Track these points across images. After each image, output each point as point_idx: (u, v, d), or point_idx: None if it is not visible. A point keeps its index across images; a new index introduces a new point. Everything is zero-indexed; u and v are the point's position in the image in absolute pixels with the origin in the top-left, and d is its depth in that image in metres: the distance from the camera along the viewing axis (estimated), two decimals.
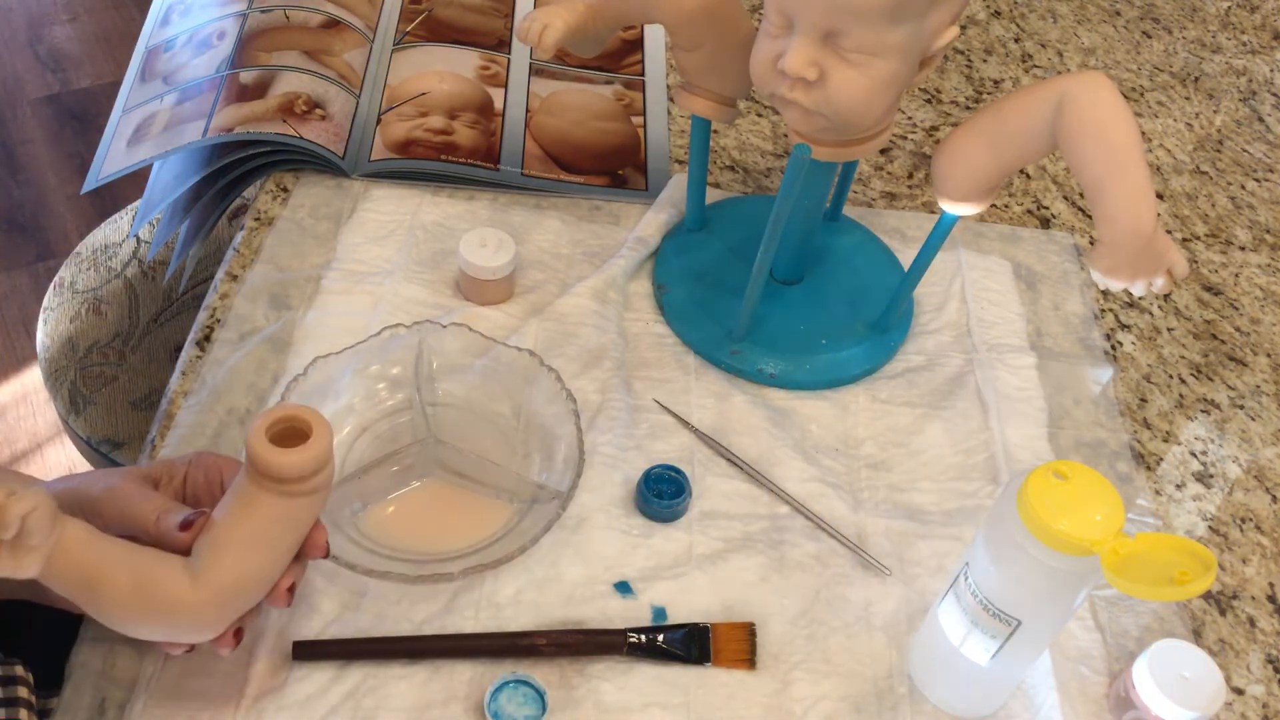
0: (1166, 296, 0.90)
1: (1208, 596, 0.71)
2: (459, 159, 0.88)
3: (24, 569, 0.45)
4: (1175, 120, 1.08)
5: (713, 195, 0.89)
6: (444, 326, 0.72)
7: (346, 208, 0.85)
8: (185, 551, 0.52)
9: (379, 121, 0.90)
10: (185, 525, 0.52)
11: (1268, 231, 0.98)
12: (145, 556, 0.50)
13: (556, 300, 0.80)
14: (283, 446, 0.51)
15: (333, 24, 0.96)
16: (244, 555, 0.52)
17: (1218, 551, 0.74)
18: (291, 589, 0.55)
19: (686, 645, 0.63)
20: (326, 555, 0.57)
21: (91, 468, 1.12)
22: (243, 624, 0.55)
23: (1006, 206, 0.95)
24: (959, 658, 0.59)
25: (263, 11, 0.94)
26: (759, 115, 1.00)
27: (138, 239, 1.19)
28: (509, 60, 0.99)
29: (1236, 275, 0.93)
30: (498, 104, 0.94)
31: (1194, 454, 0.80)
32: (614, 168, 0.91)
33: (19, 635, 0.66)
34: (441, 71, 0.95)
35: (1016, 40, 1.14)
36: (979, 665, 0.58)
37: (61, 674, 0.60)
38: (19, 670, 0.61)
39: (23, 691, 0.60)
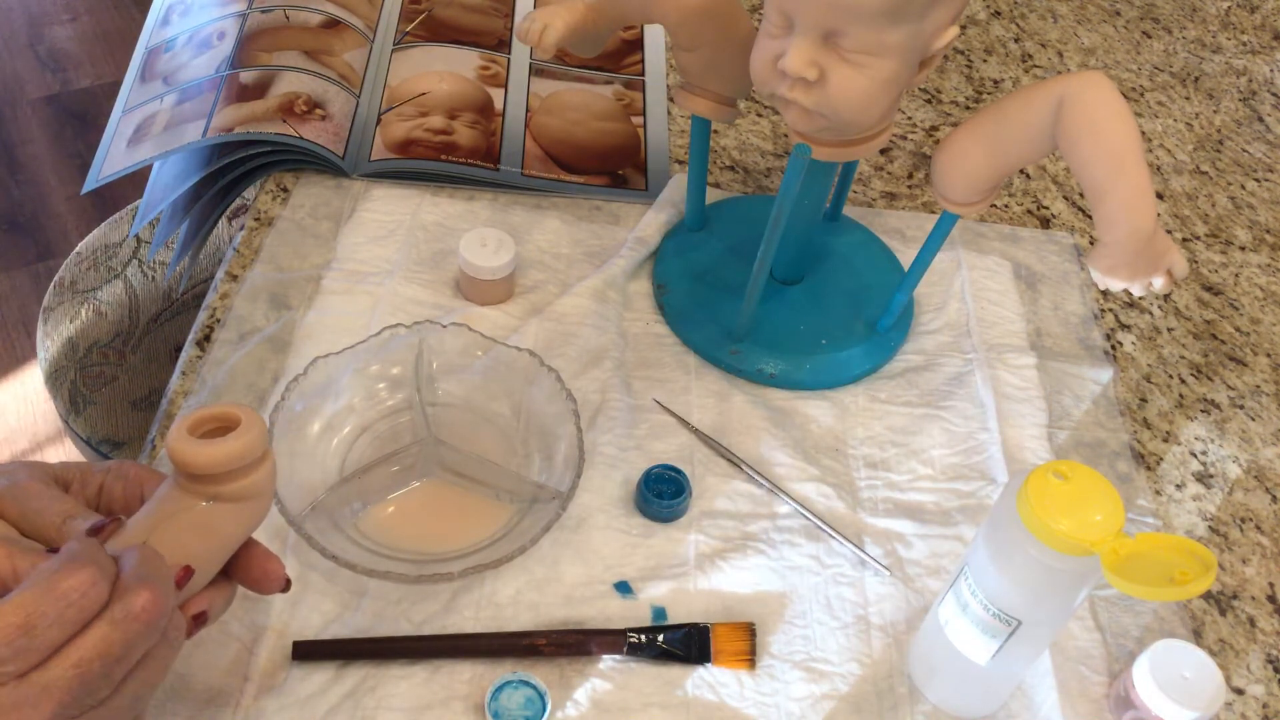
0: (1166, 296, 0.90)
1: (1208, 596, 0.71)
2: (459, 159, 0.88)
3: None
4: (1175, 120, 1.08)
5: (713, 195, 0.89)
6: (444, 326, 0.72)
7: (346, 208, 0.85)
8: None
9: (379, 121, 0.90)
10: (94, 531, 0.46)
11: (1268, 231, 0.98)
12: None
13: (556, 300, 0.80)
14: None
15: (333, 24, 0.96)
16: None
17: (1218, 551, 0.74)
18: (200, 618, 0.48)
19: (686, 645, 0.63)
20: (286, 589, 0.52)
21: None
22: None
23: (1006, 206, 0.95)
24: (959, 658, 0.59)
25: (263, 11, 0.94)
26: (759, 115, 1.00)
27: (138, 239, 1.19)
28: (509, 60, 0.99)
29: (1236, 275, 0.93)
30: (498, 104, 0.94)
31: (1194, 454, 0.80)
32: (614, 168, 0.91)
33: None
34: (441, 71, 0.95)
35: (1016, 40, 1.14)
36: (979, 665, 0.58)
37: None
38: None
39: None
